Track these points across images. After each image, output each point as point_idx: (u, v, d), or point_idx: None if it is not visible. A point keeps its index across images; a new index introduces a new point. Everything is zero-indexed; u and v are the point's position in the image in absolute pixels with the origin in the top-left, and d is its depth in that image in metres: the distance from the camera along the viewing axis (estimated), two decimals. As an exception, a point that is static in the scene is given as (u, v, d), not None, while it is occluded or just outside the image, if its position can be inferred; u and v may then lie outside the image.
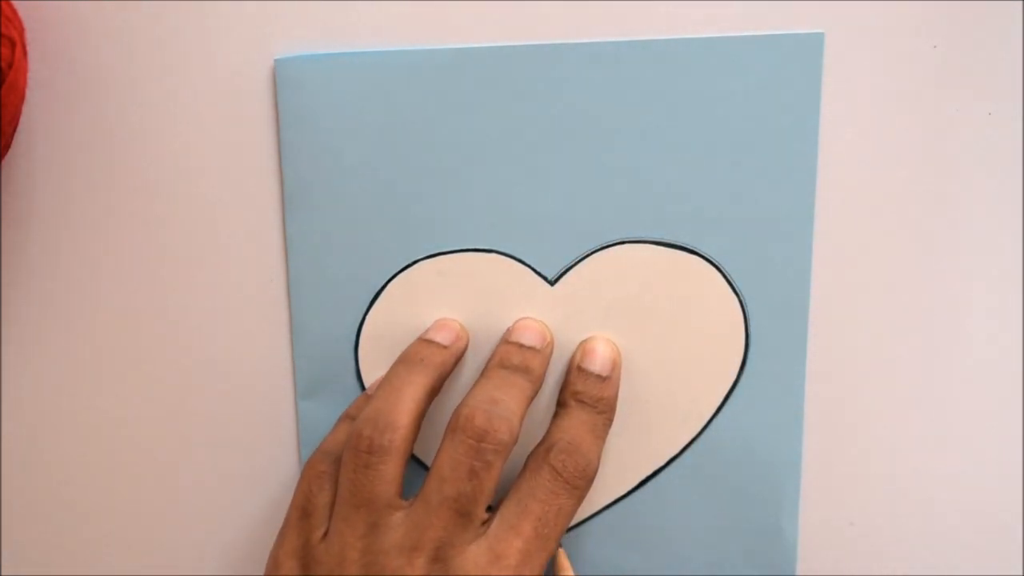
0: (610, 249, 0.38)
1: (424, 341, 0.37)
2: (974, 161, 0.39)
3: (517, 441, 0.34)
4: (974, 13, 0.37)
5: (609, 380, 0.38)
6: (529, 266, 0.38)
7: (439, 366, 0.36)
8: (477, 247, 0.37)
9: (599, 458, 0.36)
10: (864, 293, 0.40)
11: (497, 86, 0.36)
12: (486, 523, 0.34)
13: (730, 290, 0.39)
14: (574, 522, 0.41)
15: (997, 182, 0.39)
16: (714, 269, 0.38)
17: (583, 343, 0.38)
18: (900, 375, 0.41)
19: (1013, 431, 0.42)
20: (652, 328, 0.39)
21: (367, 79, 0.35)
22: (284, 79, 0.35)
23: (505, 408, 0.34)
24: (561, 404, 0.37)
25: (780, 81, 0.37)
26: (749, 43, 0.36)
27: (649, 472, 0.40)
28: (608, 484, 0.40)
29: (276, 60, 0.35)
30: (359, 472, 0.34)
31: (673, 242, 0.38)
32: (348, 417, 0.37)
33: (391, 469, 0.34)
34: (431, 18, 0.35)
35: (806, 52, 0.37)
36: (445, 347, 0.37)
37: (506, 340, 0.37)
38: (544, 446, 0.35)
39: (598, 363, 0.38)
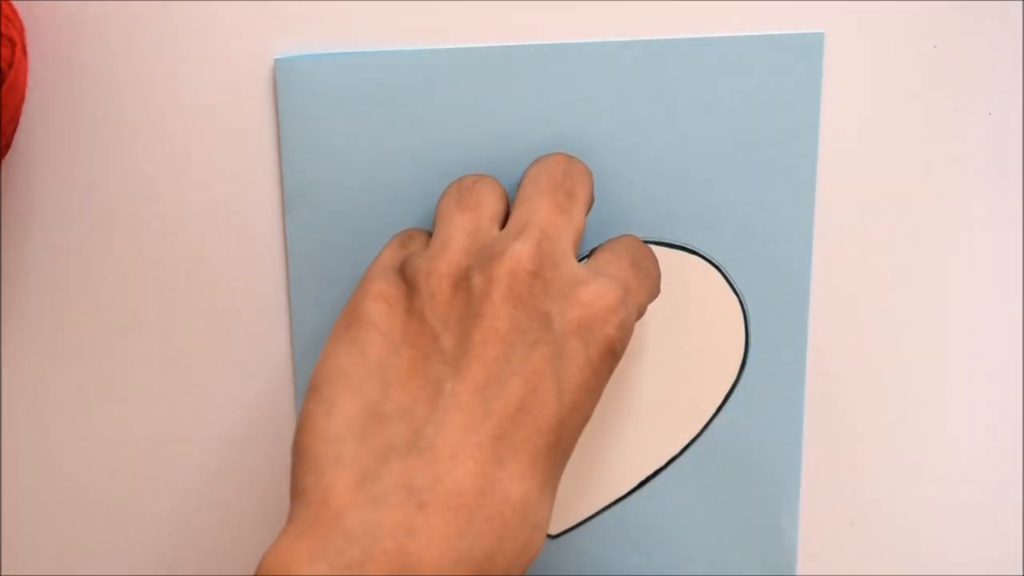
0: (610, 249, 0.38)
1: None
2: (974, 161, 0.39)
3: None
4: (974, 13, 0.37)
5: None
6: (529, 266, 0.38)
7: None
8: (477, 247, 0.37)
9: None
10: (864, 293, 0.40)
11: (497, 86, 0.36)
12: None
13: (730, 290, 0.39)
14: (574, 523, 0.41)
15: (997, 182, 0.39)
16: (714, 269, 0.38)
17: None
18: (900, 375, 0.41)
19: (1013, 431, 0.42)
20: (652, 328, 0.39)
21: (367, 79, 0.35)
22: (284, 79, 0.35)
23: None
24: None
25: (780, 81, 0.37)
26: (749, 43, 0.36)
27: (649, 472, 0.40)
28: (608, 484, 0.40)
29: (276, 60, 0.35)
30: (466, 187, 0.34)
31: (673, 242, 0.38)
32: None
33: (499, 187, 0.34)
34: (431, 18, 0.35)
35: (806, 52, 0.37)
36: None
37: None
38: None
39: None
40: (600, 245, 0.35)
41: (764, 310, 0.39)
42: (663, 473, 0.40)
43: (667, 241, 0.38)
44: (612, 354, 0.31)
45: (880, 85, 0.38)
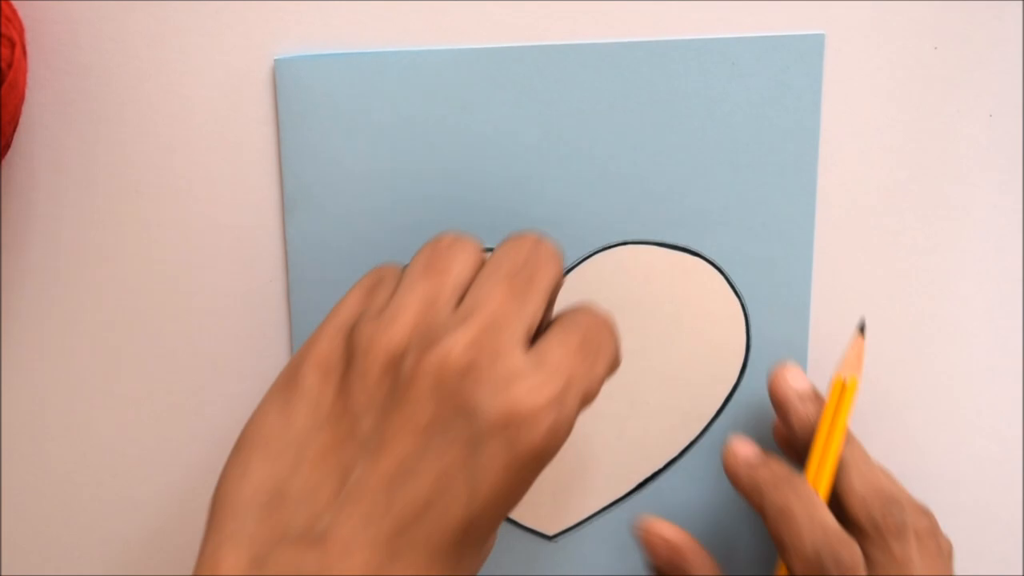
0: (611, 250, 0.38)
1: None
2: (974, 162, 0.39)
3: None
4: (974, 14, 0.37)
5: None
6: (529, 266, 0.38)
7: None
8: (477, 247, 0.37)
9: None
10: (864, 293, 0.40)
11: (497, 86, 0.36)
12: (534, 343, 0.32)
13: (731, 291, 0.39)
14: (574, 522, 0.41)
15: (997, 182, 0.39)
16: (715, 270, 0.38)
17: None
18: (900, 376, 0.41)
19: (1013, 431, 0.42)
20: (653, 329, 0.39)
21: (367, 79, 0.35)
22: (284, 79, 0.35)
23: None
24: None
25: (780, 81, 0.37)
26: (749, 44, 0.36)
27: (649, 473, 0.40)
28: (608, 484, 0.40)
29: (276, 60, 0.35)
30: (439, 249, 0.32)
31: (674, 243, 0.38)
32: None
33: (476, 251, 0.33)
34: (431, 18, 0.35)
35: (806, 52, 0.37)
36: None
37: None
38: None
39: None
40: (557, 316, 0.33)
41: (764, 311, 0.39)
42: (663, 474, 0.40)
43: (668, 242, 0.38)
44: (537, 460, 0.30)
45: (880, 86, 0.38)
